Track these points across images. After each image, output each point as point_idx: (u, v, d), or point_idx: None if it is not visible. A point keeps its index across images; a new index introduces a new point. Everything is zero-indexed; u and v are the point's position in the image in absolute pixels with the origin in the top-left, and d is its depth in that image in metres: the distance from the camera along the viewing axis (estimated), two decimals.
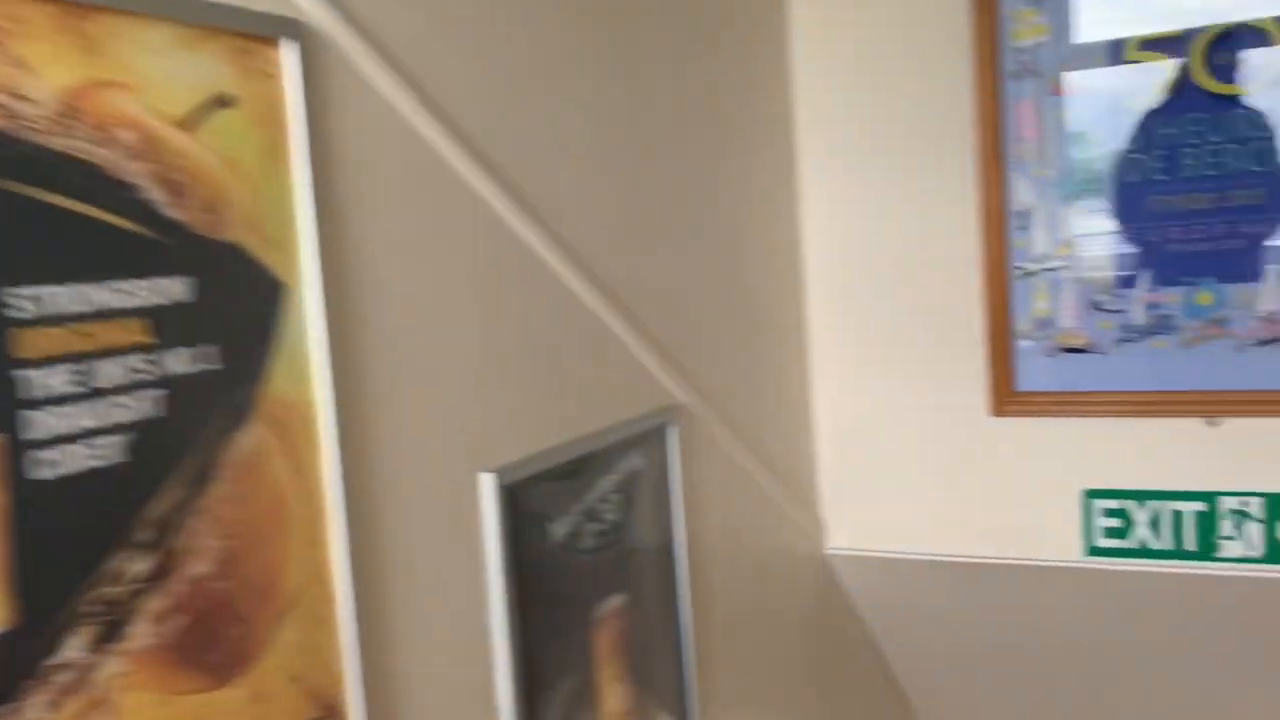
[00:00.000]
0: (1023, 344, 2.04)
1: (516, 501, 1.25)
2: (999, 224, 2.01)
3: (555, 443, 1.34)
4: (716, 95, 1.89)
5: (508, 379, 1.28)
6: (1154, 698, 2.32)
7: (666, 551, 1.63)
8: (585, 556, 1.41)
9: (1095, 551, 2.03)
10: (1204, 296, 1.88)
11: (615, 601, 1.48)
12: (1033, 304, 2.02)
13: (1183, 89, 1.85)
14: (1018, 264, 2.02)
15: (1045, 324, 2.02)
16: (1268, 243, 1.83)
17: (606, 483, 1.46)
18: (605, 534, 1.45)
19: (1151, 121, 1.89)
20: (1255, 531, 1.90)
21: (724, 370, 1.87)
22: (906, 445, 2.18)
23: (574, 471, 1.38)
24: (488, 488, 1.21)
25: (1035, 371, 2.04)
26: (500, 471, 1.22)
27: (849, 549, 2.28)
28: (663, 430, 1.62)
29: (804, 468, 2.23)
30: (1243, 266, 1.85)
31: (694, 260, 1.79)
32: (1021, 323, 2.04)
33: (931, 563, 2.22)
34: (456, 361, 1.20)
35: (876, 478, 2.22)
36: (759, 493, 1.98)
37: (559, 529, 1.34)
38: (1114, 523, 2.01)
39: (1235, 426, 1.89)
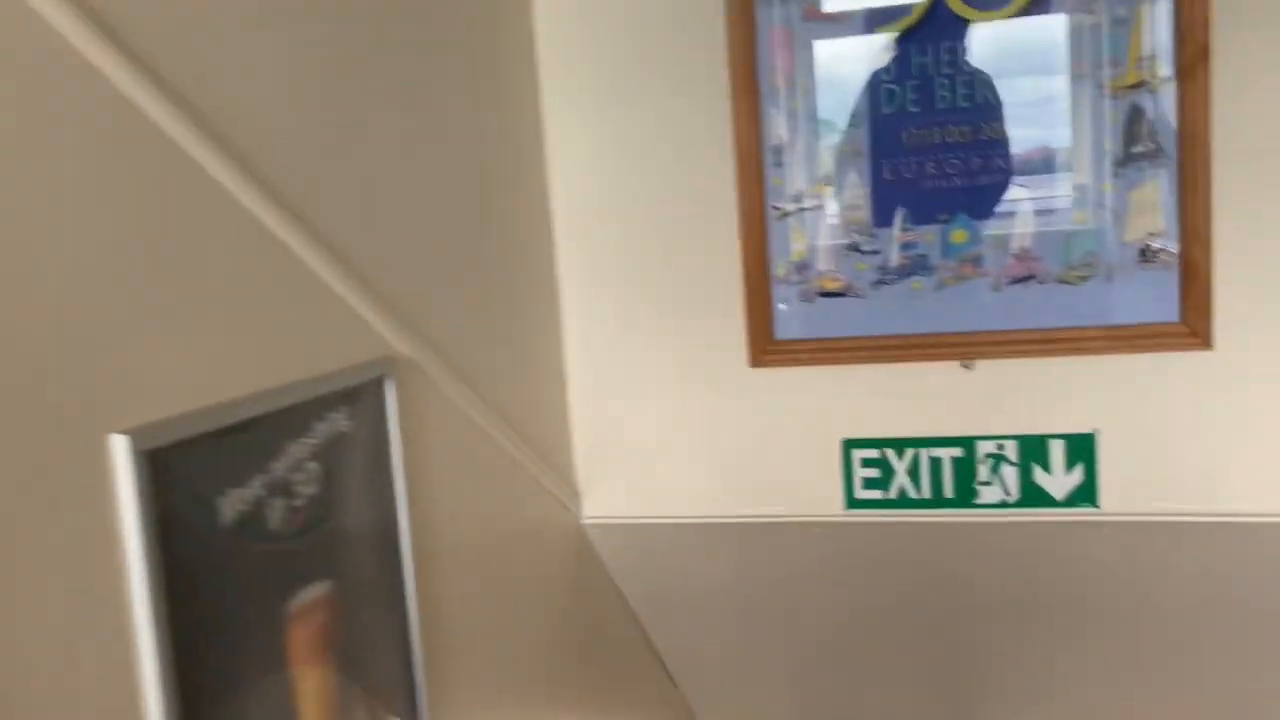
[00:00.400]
0: (780, 290, 1.93)
1: (166, 472, 0.98)
2: (754, 161, 1.88)
3: (222, 399, 1.07)
4: (451, 19, 1.65)
5: (154, 315, 1.00)
6: (919, 650, 2.29)
7: (386, 528, 1.39)
8: (273, 538, 1.15)
9: (855, 504, 1.95)
10: (958, 234, 1.82)
11: (317, 590, 1.23)
12: (790, 247, 1.91)
13: (935, 12, 1.77)
14: (774, 204, 1.89)
15: (802, 268, 1.91)
16: (1017, 177, 1.78)
17: (300, 449, 1.20)
18: (300, 511, 1.20)
19: (905, 49, 1.80)
20: (1011, 475, 1.87)
21: (459, 320, 1.64)
22: (664, 402, 2.03)
23: (251, 435, 1.12)
24: (121, 454, 0.93)
25: (793, 319, 1.93)
26: (138, 434, 0.95)
27: (606, 517, 2.11)
28: (378, 386, 1.38)
29: (556, 429, 2.03)
30: (995, 202, 1.79)
31: (421, 196, 1.55)
32: (779, 267, 1.92)
33: (693, 526, 2.08)
34: (75, 286, 0.91)
35: (633, 438, 2.06)
36: (503, 458, 1.76)
37: (232, 506, 1.08)
38: (873, 473, 1.93)
39: (990, 368, 1.84)
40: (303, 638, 1.20)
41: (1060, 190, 1.77)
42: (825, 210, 1.88)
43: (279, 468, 1.16)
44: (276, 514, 1.15)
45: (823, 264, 1.90)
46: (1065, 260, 1.78)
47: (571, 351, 2.04)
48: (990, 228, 1.80)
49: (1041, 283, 1.80)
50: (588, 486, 2.09)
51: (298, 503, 1.20)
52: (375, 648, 1.37)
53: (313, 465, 1.22)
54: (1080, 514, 1.85)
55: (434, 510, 1.51)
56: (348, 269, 1.31)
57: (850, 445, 1.94)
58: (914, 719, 2.68)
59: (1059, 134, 1.76)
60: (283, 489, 1.17)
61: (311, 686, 1.22)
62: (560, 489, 2.00)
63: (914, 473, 1.92)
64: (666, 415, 2.03)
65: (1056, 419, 1.83)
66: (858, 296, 1.89)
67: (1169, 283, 1.74)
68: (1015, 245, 1.80)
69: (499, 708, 1.75)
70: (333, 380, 1.26)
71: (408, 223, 1.51)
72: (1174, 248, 1.72)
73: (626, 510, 2.09)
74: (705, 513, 2.06)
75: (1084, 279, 1.77)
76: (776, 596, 2.23)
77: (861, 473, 1.94)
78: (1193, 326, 1.71)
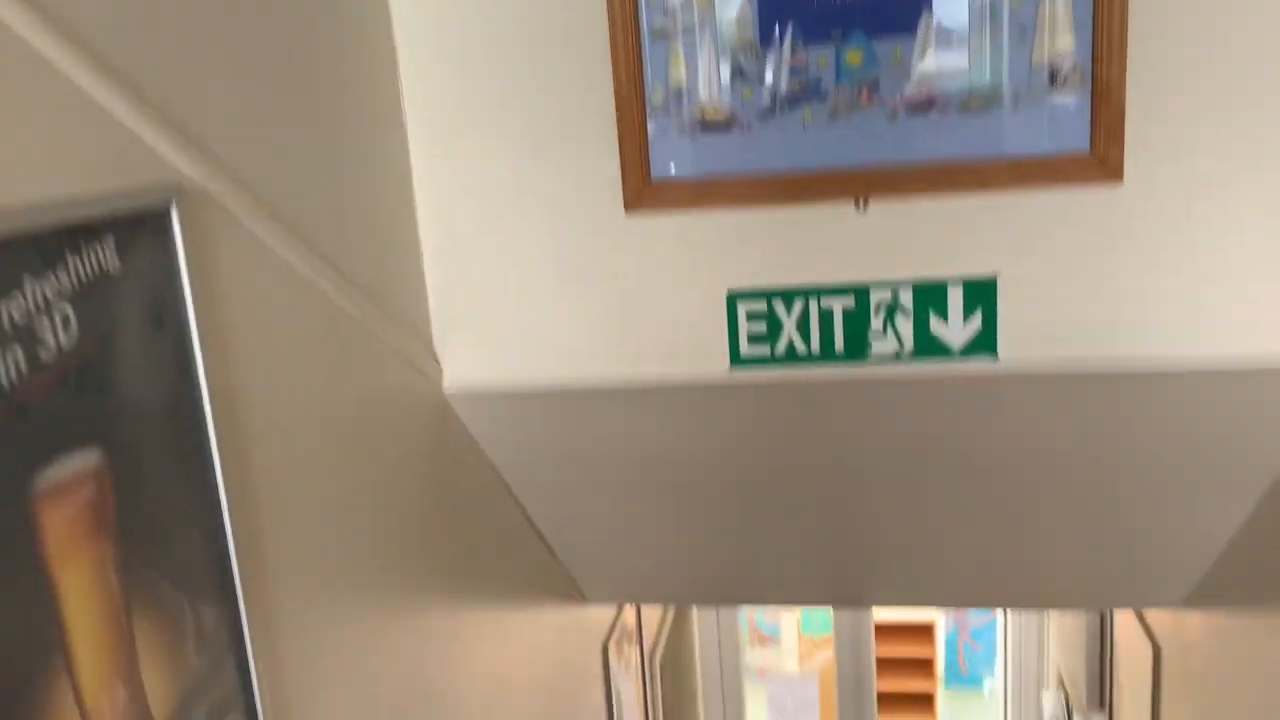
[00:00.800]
0: (658, 122, 1.71)
1: None
2: None
3: None
4: None
5: None
6: (809, 515, 2.18)
7: (181, 389, 1.17)
8: (9, 396, 0.92)
9: (741, 361, 1.79)
10: (853, 55, 1.62)
11: (82, 460, 1.01)
12: (668, 72, 1.69)
13: None
14: (649, 20, 1.66)
15: (682, 96, 1.70)
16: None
17: (45, 287, 0.97)
18: (51, 365, 0.97)
19: None
20: (905, 326, 1.72)
21: (275, 148, 1.39)
22: (530, 255, 1.82)
23: None
24: None
25: (673, 156, 1.72)
26: None
27: (470, 386, 1.91)
28: (161, 220, 1.13)
29: (409, 286, 1.81)
30: (894, 17, 1.60)
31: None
32: (655, 96, 1.70)
33: (567, 392, 1.90)
34: None
35: (497, 297, 1.85)
36: (338, 315, 1.54)
37: None
38: (759, 328, 1.77)
39: (885, 208, 1.68)
40: (62, 520, 0.98)
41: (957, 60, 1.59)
42: (707, 28, 1.66)
43: (13, 309, 0.93)
44: (13, 367, 0.93)
45: (703, 91, 1.69)
46: (968, 85, 1.60)
47: (422, 194, 1.80)
48: (888, 47, 1.60)
49: (942, 111, 1.62)
50: (447, 350, 1.88)
51: (46, 355, 0.97)
52: (176, 528, 1.17)
53: (65, 308, 0.99)
54: (978, 366, 1.72)
55: (248, 371, 1.29)
56: (111, 71, 1.05)
57: (735, 298, 1.77)
58: (804, 585, 2.60)
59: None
60: (22, 336, 0.94)
61: (80, 576, 1.01)
62: (415, 353, 1.79)
63: (803, 326, 1.76)
64: (534, 267, 1.83)
65: (955, 263, 1.68)
66: (743, 129, 1.69)
67: (1079, 111, 1.58)
68: (915, 68, 1.61)
69: (351, 589, 1.57)
70: (88, 205, 1.02)
71: (198, 25, 1.24)
72: (1085, 68, 1.55)
73: (492, 377, 1.89)
74: (580, 375, 1.88)
75: (988, 106, 1.60)
76: (659, 463, 2.08)
77: (747, 327, 1.77)
78: (1102, 155, 1.56)
